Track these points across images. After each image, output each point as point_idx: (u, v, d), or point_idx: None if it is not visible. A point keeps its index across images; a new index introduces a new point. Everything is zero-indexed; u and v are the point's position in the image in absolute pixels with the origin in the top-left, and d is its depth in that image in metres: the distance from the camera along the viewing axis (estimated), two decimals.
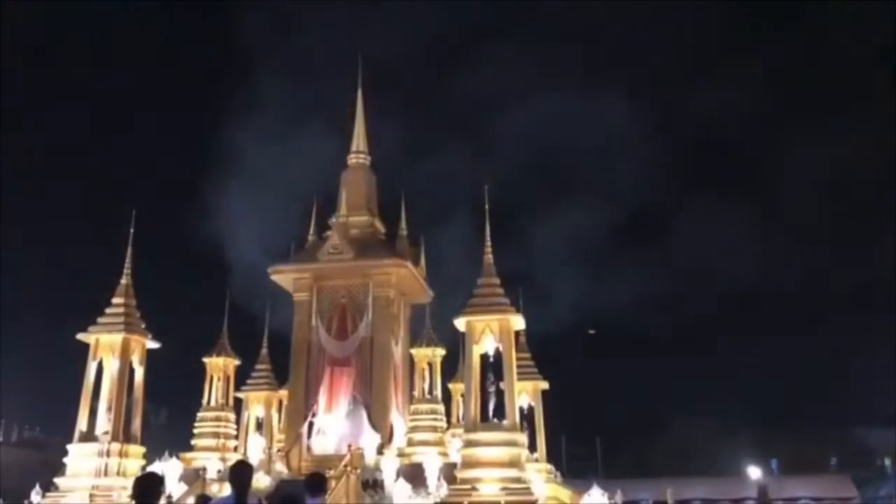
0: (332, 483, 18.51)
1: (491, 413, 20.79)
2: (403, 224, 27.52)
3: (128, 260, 21.48)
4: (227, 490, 7.84)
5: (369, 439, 22.83)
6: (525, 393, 24.56)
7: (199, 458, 24.02)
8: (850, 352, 55.64)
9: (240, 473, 6.31)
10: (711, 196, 68.19)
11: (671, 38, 63.41)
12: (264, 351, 27.45)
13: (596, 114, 51.26)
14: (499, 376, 20.52)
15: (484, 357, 20.55)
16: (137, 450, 20.25)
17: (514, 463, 19.08)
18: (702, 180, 77.41)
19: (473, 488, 18.51)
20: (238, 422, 26.44)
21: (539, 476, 22.17)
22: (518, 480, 18.68)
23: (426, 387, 25.80)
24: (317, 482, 6.99)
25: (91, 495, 19.02)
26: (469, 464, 19.22)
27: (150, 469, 19.60)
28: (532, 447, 23.61)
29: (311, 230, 27.23)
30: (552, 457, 26.85)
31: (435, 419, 24.98)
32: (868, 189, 69.09)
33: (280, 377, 26.78)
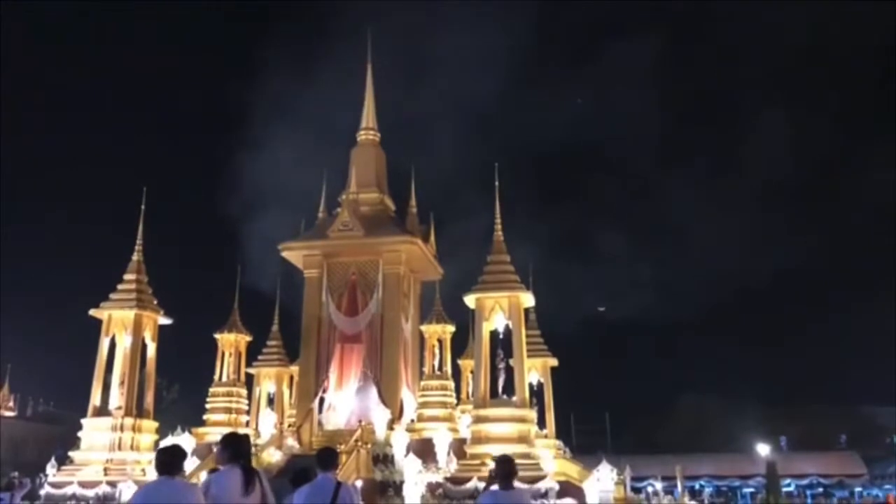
0: (343, 458, 18.66)
1: (500, 389, 20.83)
2: (413, 201, 27.47)
3: (139, 237, 21.58)
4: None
5: (380, 415, 22.97)
6: (534, 369, 24.66)
7: (211, 433, 24.21)
8: (861, 330, 55.48)
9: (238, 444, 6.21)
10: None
11: None
12: (275, 327, 27.61)
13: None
14: (508, 353, 20.54)
15: (494, 334, 20.60)
16: (150, 424, 20.49)
17: (523, 439, 19.20)
18: None
19: (483, 463, 18.60)
20: (249, 397, 26.68)
21: (548, 452, 22.24)
22: (527, 456, 18.79)
23: (436, 363, 25.91)
24: (328, 457, 7.00)
25: (105, 469, 19.29)
26: (478, 439, 19.34)
27: (164, 443, 19.91)
28: (541, 423, 23.75)
29: (322, 207, 27.23)
30: (561, 433, 27.02)
31: (445, 395, 25.09)
32: None
33: (291, 353, 26.96)
